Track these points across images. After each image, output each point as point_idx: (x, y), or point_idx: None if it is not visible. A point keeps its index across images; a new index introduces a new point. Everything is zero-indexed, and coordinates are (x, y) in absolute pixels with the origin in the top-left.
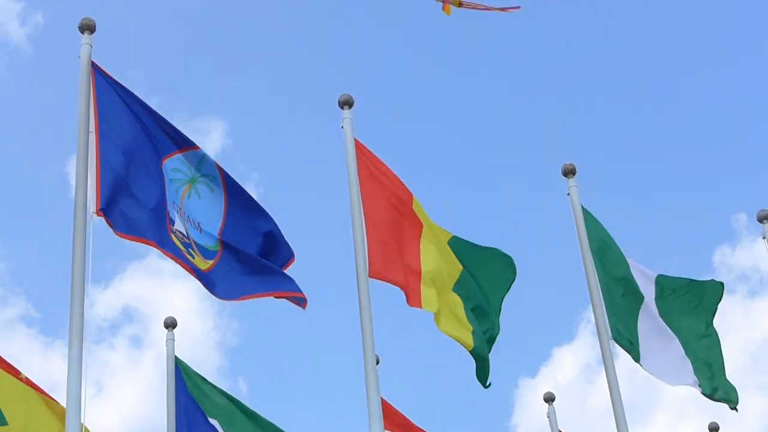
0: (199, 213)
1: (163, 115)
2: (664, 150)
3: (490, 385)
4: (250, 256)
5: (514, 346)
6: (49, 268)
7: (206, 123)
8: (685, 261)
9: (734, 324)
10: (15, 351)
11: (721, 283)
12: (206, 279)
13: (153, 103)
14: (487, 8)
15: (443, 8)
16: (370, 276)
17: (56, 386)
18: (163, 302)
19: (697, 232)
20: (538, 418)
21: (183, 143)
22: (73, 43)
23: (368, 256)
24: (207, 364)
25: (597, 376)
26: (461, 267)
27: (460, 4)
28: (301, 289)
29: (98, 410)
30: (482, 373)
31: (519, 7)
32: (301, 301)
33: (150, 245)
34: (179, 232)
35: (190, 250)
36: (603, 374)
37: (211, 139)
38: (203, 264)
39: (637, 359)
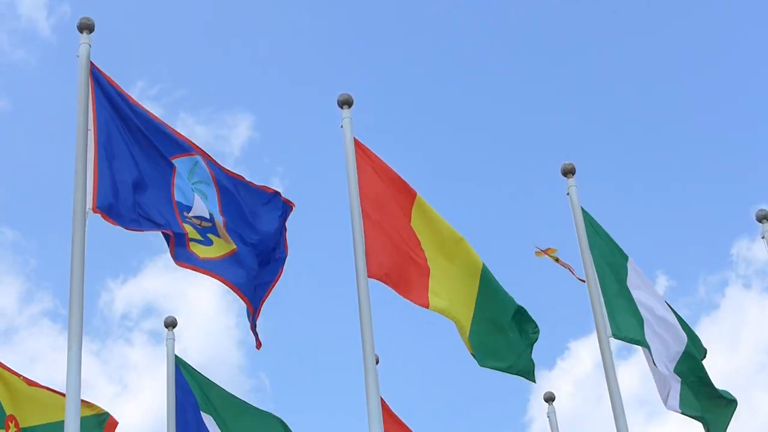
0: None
1: (160, 119)
2: (674, 145)
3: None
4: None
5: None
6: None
7: (232, 116)
8: (702, 254)
9: (749, 319)
10: (39, 346)
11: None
12: (218, 266)
13: (178, 96)
14: (571, 271)
15: (537, 253)
16: (369, 276)
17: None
18: (185, 298)
19: (715, 225)
20: (556, 413)
21: (175, 150)
22: (97, 36)
23: (367, 256)
24: (227, 363)
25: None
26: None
27: (556, 260)
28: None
29: (124, 406)
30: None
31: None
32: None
33: (155, 231)
34: (195, 218)
35: (208, 234)
36: (619, 367)
37: (238, 132)
38: (225, 247)
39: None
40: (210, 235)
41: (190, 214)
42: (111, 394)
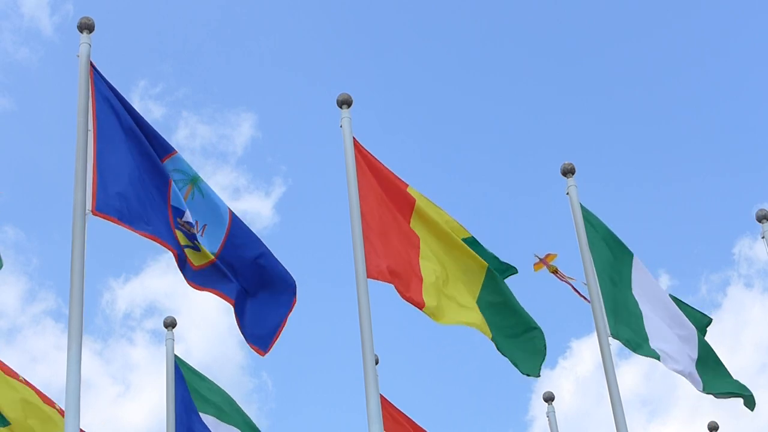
0: (203, 213)
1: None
2: (675, 144)
3: (532, 374)
4: (246, 274)
5: None
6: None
7: (235, 115)
8: (705, 252)
9: (750, 319)
10: (42, 346)
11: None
12: (207, 276)
13: (180, 95)
14: (572, 287)
15: (535, 265)
16: (368, 276)
17: (82, 383)
18: (187, 298)
19: (717, 224)
20: (557, 412)
21: (167, 151)
22: (100, 36)
23: (366, 256)
24: (230, 362)
25: (616, 368)
26: (485, 264)
27: (555, 271)
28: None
29: (126, 406)
30: (524, 363)
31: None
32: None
33: (151, 239)
34: (186, 223)
35: (195, 241)
36: (621, 367)
37: (241, 132)
38: (205, 257)
39: (653, 356)
40: (196, 242)
41: (183, 219)
42: (114, 394)
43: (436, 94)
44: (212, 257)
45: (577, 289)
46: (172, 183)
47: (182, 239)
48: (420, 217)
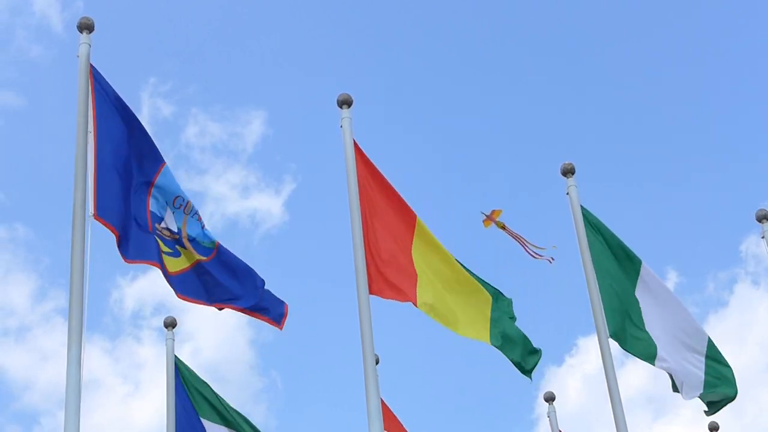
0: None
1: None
2: (679, 142)
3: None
4: (239, 265)
5: (537, 336)
6: (90, 261)
7: (245, 113)
8: (712, 250)
9: (757, 317)
10: (52, 344)
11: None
12: (178, 279)
13: (190, 92)
14: (523, 243)
15: (484, 221)
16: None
17: (91, 382)
18: None
19: (725, 221)
20: (563, 410)
21: (160, 160)
22: (107, 33)
23: (366, 261)
24: (239, 362)
25: (621, 367)
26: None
27: (503, 227)
28: (281, 308)
29: (134, 405)
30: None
31: (552, 258)
32: (278, 320)
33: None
34: (165, 229)
35: (176, 246)
36: (627, 366)
37: (251, 129)
38: (191, 257)
39: (648, 357)
40: (178, 247)
41: (161, 226)
42: (123, 393)
43: (436, 93)
44: (194, 260)
45: (527, 246)
46: (153, 188)
47: (161, 245)
48: (420, 234)
